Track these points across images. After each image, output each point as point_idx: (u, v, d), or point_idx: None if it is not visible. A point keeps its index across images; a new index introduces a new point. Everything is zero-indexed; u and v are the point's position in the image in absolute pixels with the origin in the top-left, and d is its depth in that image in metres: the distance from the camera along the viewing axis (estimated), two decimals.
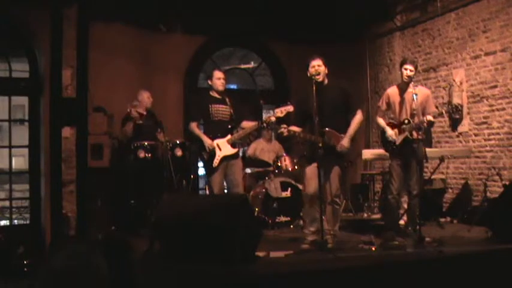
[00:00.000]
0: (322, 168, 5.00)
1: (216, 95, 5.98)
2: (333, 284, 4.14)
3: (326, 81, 5.23)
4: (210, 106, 5.92)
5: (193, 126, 6.00)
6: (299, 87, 7.03)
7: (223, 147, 5.85)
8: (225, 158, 5.85)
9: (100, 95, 6.76)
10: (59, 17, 4.42)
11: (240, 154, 6.27)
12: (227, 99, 5.95)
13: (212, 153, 5.82)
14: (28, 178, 7.76)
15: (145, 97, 6.98)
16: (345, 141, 5.12)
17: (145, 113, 6.90)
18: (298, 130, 5.20)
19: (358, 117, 5.24)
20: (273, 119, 5.53)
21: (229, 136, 5.88)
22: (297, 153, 7.37)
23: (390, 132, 5.69)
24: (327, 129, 5.08)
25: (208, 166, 5.89)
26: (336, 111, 5.15)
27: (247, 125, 5.95)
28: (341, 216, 5.76)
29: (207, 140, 5.83)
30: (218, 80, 5.93)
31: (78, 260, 1.60)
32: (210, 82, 6.02)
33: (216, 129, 5.89)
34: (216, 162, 5.80)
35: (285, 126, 5.19)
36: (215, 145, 5.82)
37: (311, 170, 5.18)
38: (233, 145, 5.90)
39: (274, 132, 7.40)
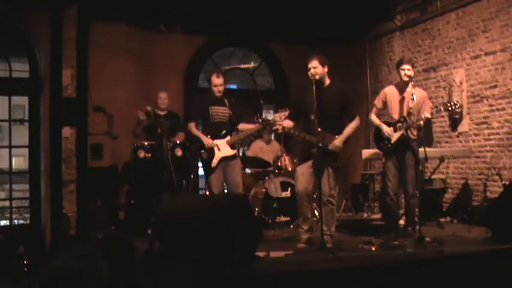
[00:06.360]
0: (317, 168, 5.03)
1: (216, 96, 6.01)
2: (333, 284, 4.14)
3: (327, 82, 5.19)
4: (210, 108, 5.96)
5: (192, 126, 6.04)
6: (299, 87, 7.02)
7: (222, 148, 5.88)
8: (224, 159, 5.87)
9: (100, 95, 6.76)
10: (59, 17, 4.43)
11: (240, 154, 6.27)
12: (226, 101, 5.97)
13: (211, 153, 5.85)
14: (28, 178, 7.76)
15: (162, 97, 7.05)
16: (338, 141, 5.12)
17: (163, 113, 6.94)
18: (290, 125, 5.20)
19: (356, 122, 5.25)
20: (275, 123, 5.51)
21: (228, 137, 5.92)
22: (296, 153, 7.38)
23: (386, 129, 5.68)
24: (319, 129, 5.03)
25: (206, 166, 5.93)
26: (332, 113, 5.13)
27: (245, 127, 5.97)
28: (336, 217, 5.75)
29: (206, 139, 5.87)
30: (215, 87, 5.94)
31: (79, 261, 1.60)
32: (209, 85, 6.06)
33: (215, 130, 5.93)
34: (214, 162, 5.84)
35: (279, 123, 5.19)
36: (214, 144, 5.84)
37: (302, 169, 5.24)
38: (232, 146, 5.93)
39: (270, 131, 7.43)
